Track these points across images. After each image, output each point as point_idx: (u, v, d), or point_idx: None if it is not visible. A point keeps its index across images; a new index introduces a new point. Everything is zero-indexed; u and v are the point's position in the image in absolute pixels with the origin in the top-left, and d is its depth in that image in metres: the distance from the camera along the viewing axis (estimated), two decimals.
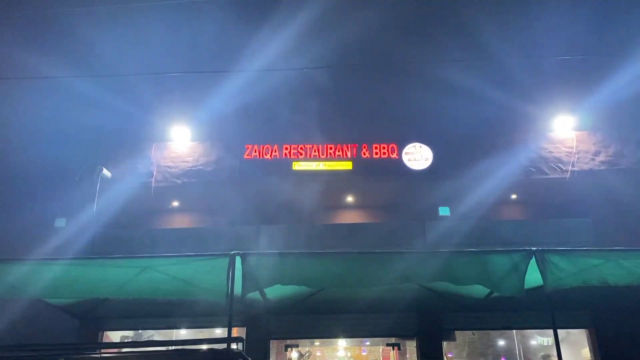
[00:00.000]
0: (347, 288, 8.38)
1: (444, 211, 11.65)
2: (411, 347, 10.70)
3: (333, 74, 12.08)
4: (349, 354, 16.44)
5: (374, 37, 13.19)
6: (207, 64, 12.40)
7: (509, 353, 13.48)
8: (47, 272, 7.02)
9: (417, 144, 12.65)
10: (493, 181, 11.15)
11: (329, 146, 12.14)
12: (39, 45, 12.06)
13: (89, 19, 11.48)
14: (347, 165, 12.04)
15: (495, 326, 10.75)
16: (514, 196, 12.38)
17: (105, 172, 10.54)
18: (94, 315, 9.61)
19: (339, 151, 12.13)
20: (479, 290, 8.49)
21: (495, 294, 8.52)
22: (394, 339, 10.60)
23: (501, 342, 13.65)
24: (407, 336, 10.31)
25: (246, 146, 12.06)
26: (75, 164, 10.49)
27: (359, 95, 13.52)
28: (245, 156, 12.08)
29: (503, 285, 6.88)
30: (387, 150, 12.27)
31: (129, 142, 11.72)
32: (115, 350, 7.15)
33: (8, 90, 10.93)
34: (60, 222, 10.32)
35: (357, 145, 12.20)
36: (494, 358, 13.72)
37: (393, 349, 10.56)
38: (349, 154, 12.03)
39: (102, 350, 7.02)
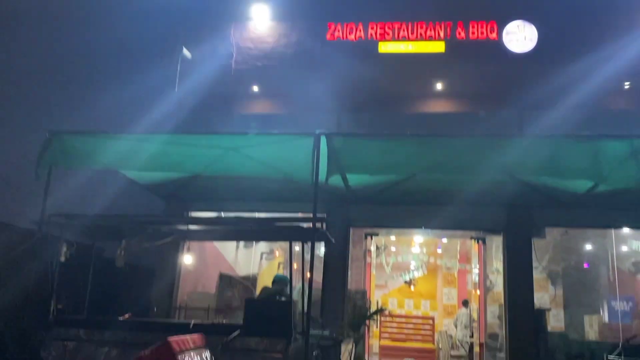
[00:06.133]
0: (435, 177, 7.94)
1: None
2: (497, 242, 10.34)
3: None
4: (424, 250, 16.51)
5: None
6: None
7: (594, 258, 12.83)
8: (140, 148, 7.09)
9: (521, 23, 11.26)
10: (605, 67, 9.84)
11: (419, 24, 11.00)
12: None
13: None
14: (439, 47, 11.01)
15: (591, 224, 10.05)
16: (627, 85, 10.97)
17: (186, 52, 10.32)
18: (179, 196, 9.88)
19: (430, 30, 11.03)
20: (579, 184, 7.80)
21: (598, 189, 7.84)
22: (479, 232, 10.19)
23: (587, 246, 12.96)
24: (494, 231, 9.88)
25: (329, 25, 11.26)
26: (157, 43, 10.30)
27: None
28: (328, 37, 11.36)
29: (615, 177, 6.19)
30: (486, 29, 11.03)
31: (209, 22, 11.24)
32: (202, 226, 7.31)
33: None
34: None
35: (451, 23, 10.99)
36: (576, 263, 13.15)
37: (477, 242, 10.17)
38: (441, 34, 10.94)
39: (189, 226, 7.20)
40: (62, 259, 6.62)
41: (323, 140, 6.39)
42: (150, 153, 7.01)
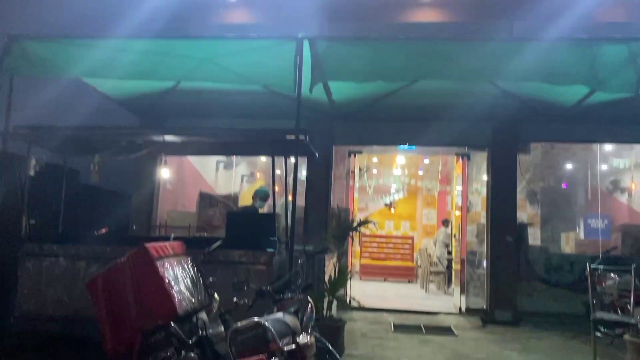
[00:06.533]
0: (421, 90, 7.63)
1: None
2: (478, 163, 10.24)
3: None
4: (405, 172, 16.49)
5: None
6: None
7: (573, 177, 12.94)
8: (108, 55, 6.54)
9: None
10: None
11: None
12: None
13: None
14: None
15: (577, 139, 9.97)
16: None
17: None
18: (153, 112, 9.40)
19: None
20: (570, 95, 7.60)
21: (587, 101, 7.66)
22: (464, 148, 10.01)
23: (567, 166, 13.04)
24: (478, 146, 9.73)
25: None
26: None
27: None
28: None
29: (612, 83, 5.94)
30: None
31: None
32: (178, 137, 6.93)
33: None
34: None
35: None
36: (555, 182, 13.26)
37: (462, 159, 10.03)
38: None
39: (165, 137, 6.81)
40: (32, 173, 6.28)
41: (306, 45, 5.98)
42: (119, 61, 6.49)
